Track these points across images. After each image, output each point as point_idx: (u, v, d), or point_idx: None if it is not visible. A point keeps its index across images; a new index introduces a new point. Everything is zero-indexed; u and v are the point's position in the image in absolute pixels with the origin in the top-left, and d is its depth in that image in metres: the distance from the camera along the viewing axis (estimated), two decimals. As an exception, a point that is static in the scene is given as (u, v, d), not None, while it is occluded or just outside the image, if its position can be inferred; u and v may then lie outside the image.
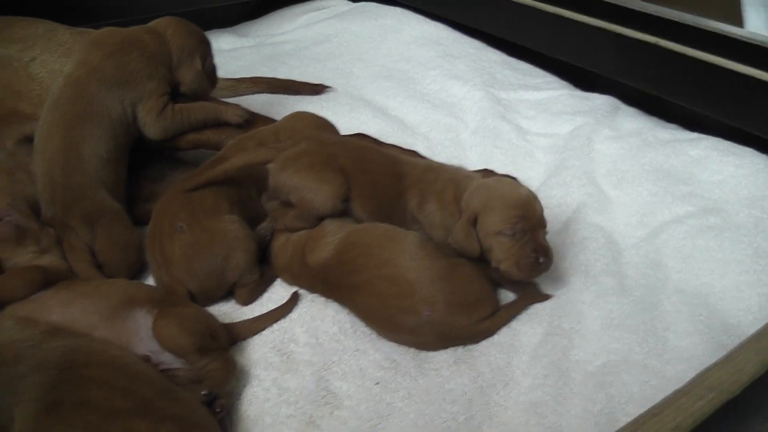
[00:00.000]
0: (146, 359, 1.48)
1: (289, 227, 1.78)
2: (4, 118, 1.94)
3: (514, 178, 2.07)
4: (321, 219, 1.77)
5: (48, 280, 1.61)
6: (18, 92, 1.99)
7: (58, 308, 1.55)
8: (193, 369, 1.50)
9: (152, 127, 1.91)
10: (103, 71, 1.85)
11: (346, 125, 2.27)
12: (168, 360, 1.50)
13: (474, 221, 1.64)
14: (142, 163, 2.01)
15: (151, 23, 2.00)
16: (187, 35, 2.00)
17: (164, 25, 1.99)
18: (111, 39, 1.91)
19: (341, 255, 1.66)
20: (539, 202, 1.67)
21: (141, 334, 1.51)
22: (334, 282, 1.67)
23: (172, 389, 1.36)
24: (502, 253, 1.62)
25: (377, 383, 1.51)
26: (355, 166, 1.76)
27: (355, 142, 1.94)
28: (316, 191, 1.73)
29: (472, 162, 2.23)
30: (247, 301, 1.76)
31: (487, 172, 2.07)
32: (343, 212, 1.77)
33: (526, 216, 1.62)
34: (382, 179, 1.78)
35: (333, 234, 1.71)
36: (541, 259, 1.62)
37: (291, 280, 1.78)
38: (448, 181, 1.75)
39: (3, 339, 1.38)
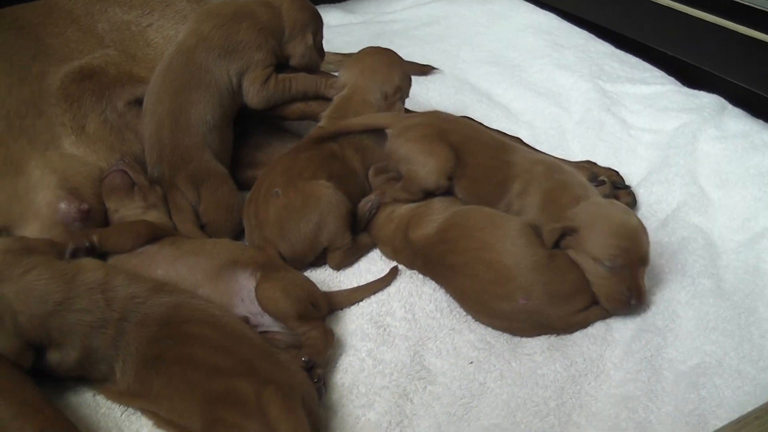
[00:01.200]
0: (245, 320, 1.52)
1: (395, 197, 1.82)
2: (118, 80, 2.00)
3: (616, 172, 2.07)
4: (426, 194, 1.80)
5: (154, 234, 1.66)
6: (133, 56, 2.06)
7: (164, 264, 1.60)
8: (291, 334, 1.54)
9: (255, 96, 1.96)
10: (212, 41, 1.90)
11: (451, 108, 2.30)
12: (267, 323, 1.55)
13: (571, 232, 1.61)
14: (246, 130, 2.06)
15: None
16: (301, 10, 2.03)
17: None
18: (224, 10, 1.96)
19: (444, 234, 1.69)
20: (647, 235, 1.62)
21: (242, 295, 1.56)
22: (433, 260, 1.70)
23: (273, 352, 1.41)
24: (595, 280, 1.60)
25: (471, 363, 1.54)
26: (465, 145, 1.79)
27: (470, 122, 1.95)
28: (423, 163, 1.77)
29: (575, 153, 2.23)
30: (339, 265, 1.80)
31: (589, 164, 2.07)
32: (447, 189, 1.80)
33: (630, 250, 1.58)
34: (490, 163, 1.79)
35: (438, 212, 1.74)
36: (633, 301, 1.60)
37: (391, 254, 1.82)
38: (561, 184, 1.72)
39: (111, 295, 1.41)
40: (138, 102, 1.99)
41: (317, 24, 2.08)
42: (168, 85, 1.88)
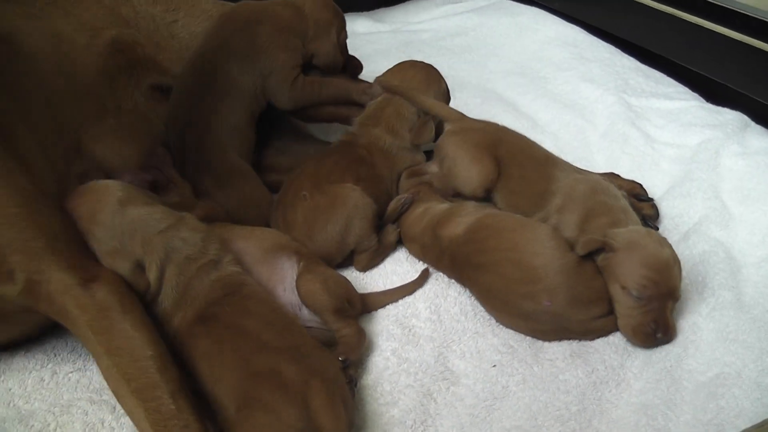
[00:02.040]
0: None
1: (433, 185, 1.89)
2: (144, 61, 2.02)
3: (640, 185, 2.09)
4: (457, 195, 1.86)
5: (208, 217, 1.70)
6: (157, 44, 2.07)
7: None
8: (327, 331, 1.57)
9: (283, 97, 1.97)
10: (233, 44, 1.92)
11: (477, 117, 2.32)
12: (305, 316, 1.58)
13: (609, 250, 1.61)
14: (269, 134, 2.08)
15: None
16: (324, 8, 2.05)
17: None
18: (244, 12, 1.99)
19: (472, 234, 1.71)
20: (680, 269, 1.61)
21: (285, 285, 1.60)
22: (460, 259, 1.72)
23: (319, 345, 1.44)
24: (621, 309, 1.60)
25: (494, 366, 1.57)
26: (513, 158, 1.84)
27: (525, 137, 1.98)
28: (467, 170, 1.84)
29: (599, 165, 2.24)
30: (365, 267, 1.83)
31: (613, 176, 2.09)
32: (482, 199, 1.84)
33: (659, 283, 1.57)
34: (534, 176, 1.83)
35: (469, 214, 1.76)
36: (659, 335, 1.58)
37: (419, 253, 1.84)
38: (602, 205, 1.73)
39: (207, 244, 1.52)
40: (160, 88, 2.03)
41: (341, 22, 2.10)
42: (189, 89, 1.92)
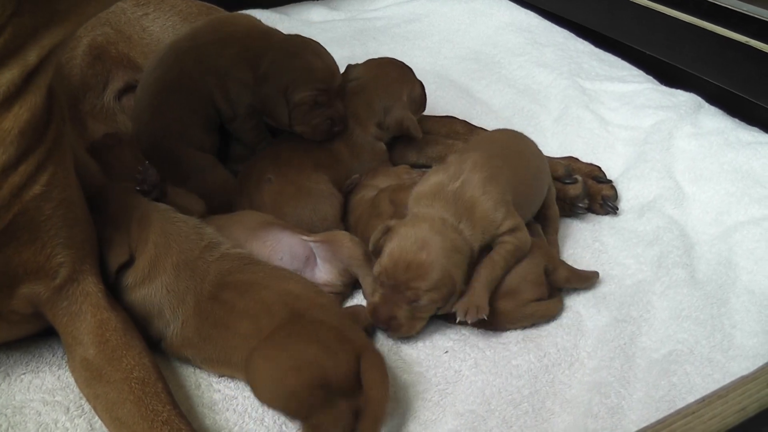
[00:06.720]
0: None
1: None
2: (118, 61, 2.02)
3: (598, 167, 2.10)
4: None
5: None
6: (129, 37, 2.07)
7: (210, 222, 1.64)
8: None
9: (226, 121, 1.93)
10: (202, 53, 1.89)
11: (432, 104, 2.31)
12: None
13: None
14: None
15: (293, 34, 1.99)
16: (285, 56, 1.87)
17: (285, 37, 1.98)
18: (225, 27, 1.95)
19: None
20: (424, 274, 1.48)
21: (282, 254, 1.61)
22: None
23: None
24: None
25: (446, 352, 1.57)
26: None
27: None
28: None
29: (553, 149, 2.25)
30: None
31: (571, 159, 2.10)
32: None
33: (390, 275, 1.50)
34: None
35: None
36: (375, 322, 1.54)
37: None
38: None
39: (203, 229, 1.55)
40: (131, 88, 2.02)
41: (298, 77, 1.84)
42: (152, 83, 1.89)
